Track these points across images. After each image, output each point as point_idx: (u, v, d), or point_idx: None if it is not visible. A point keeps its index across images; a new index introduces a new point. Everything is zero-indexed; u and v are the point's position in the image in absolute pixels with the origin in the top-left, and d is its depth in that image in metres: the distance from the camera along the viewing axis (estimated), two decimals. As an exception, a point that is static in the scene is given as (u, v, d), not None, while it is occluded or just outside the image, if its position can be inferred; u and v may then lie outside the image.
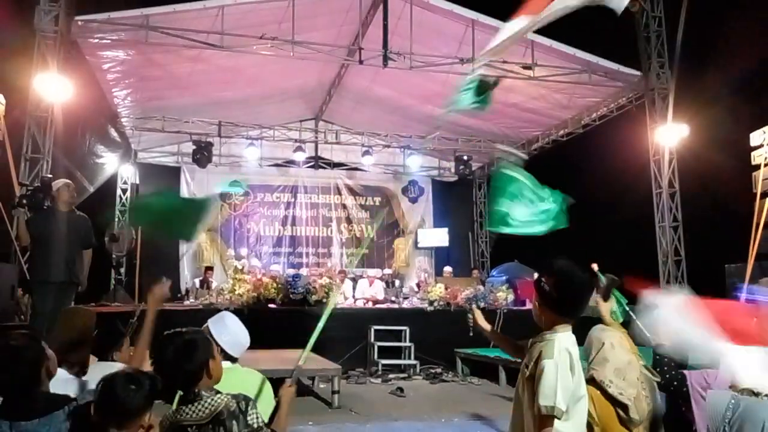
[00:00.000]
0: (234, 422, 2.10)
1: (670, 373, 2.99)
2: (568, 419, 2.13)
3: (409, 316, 10.00)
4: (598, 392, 2.49)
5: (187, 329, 2.27)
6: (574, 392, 2.15)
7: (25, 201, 6.26)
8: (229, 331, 2.87)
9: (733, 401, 2.30)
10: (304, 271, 11.76)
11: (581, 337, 2.90)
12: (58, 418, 2.18)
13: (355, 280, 11.93)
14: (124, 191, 14.05)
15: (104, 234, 11.51)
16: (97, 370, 2.80)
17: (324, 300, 9.78)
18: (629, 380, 2.50)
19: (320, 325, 2.58)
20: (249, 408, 2.16)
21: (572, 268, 2.29)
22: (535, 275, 2.42)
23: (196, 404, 2.11)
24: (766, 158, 8.26)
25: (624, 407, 2.44)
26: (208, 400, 2.12)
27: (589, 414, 2.36)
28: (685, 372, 3.08)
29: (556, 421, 2.09)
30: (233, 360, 2.87)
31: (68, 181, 6.50)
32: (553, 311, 2.27)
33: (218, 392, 2.17)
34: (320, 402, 7.04)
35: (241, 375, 2.80)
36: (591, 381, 2.53)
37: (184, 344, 2.19)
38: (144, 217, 3.24)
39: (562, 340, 2.22)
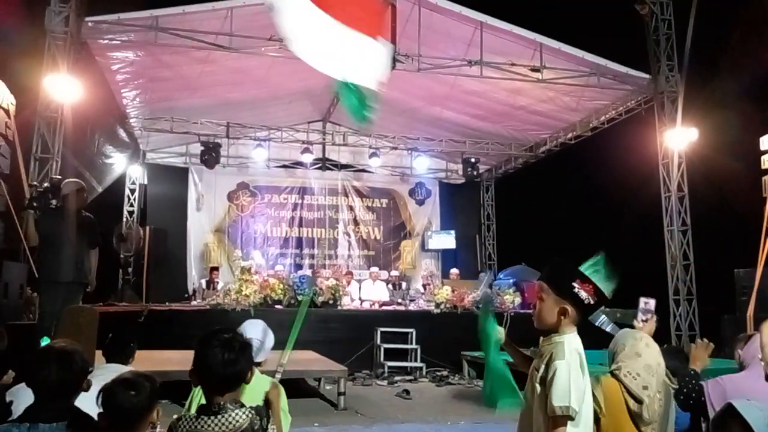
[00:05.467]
0: None
1: (688, 384, 2.96)
2: (579, 422, 2.12)
3: (416, 319, 9.99)
4: (615, 385, 2.48)
5: (230, 329, 2.19)
6: (583, 393, 2.15)
7: (35, 203, 6.29)
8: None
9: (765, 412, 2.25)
10: (310, 273, 11.80)
11: (593, 341, 2.91)
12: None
13: (360, 282, 11.95)
14: (132, 191, 14.13)
15: (112, 234, 11.58)
16: (105, 372, 2.81)
17: (330, 301, 9.81)
18: (658, 379, 2.50)
19: (298, 324, 2.51)
20: (268, 425, 2.10)
21: None
22: (545, 279, 2.37)
23: (219, 417, 1.97)
24: (776, 162, 8.22)
25: (639, 402, 2.43)
26: (233, 415, 1.98)
27: (597, 404, 2.36)
28: (702, 383, 3.04)
29: (568, 423, 2.08)
30: (255, 364, 2.91)
31: (83, 184, 6.53)
32: (579, 315, 2.26)
33: (242, 405, 2.04)
34: (326, 403, 7.05)
35: (256, 381, 2.80)
36: (612, 374, 2.53)
37: (241, 344, 2.08)
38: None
39: (572, 342, 2.22)
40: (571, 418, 2.09)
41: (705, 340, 3.12)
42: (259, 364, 2.95)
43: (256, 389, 2.47)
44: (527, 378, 2.37)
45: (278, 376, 2.50)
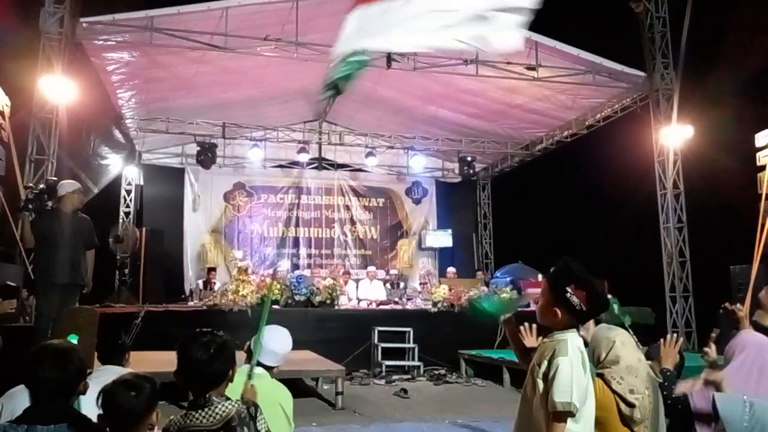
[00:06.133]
0: (245, 429, 2.09)
1: (668, 388, 2.95)
2: (579, 419, 2.14)
3: (413, 318, 10.00)
4: (603, 384, 2.49)
5: (213, 330, 2.25)
6: (585, 391, 2.17)
7: (30, 205, 6.28)
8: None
9: (747, 406, 2.27)
10: (307, 272, 11.79)
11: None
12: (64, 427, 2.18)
13: (357, 281, 11.95)
14: (128, 192, 14.10)
15: (108, 235, 11.56)
16: (104, 374, 2.80)
17: (327, 301, 9.81)
18: (641, 378, 2.50)
19: (263, 322, 2.56)
20: (258, 414, 2.16)
21: (594, 281, 2.30)
22: (546, 278, 2.39)
23: (206, 410, 2.07)
24: (771, 159, 8.24)
25: (631, 406, 2.43)
26: (219, 406, 2.08)
27: None
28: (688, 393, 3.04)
29: (568, 420, 2.10)
30: (268, 368, 2.94)
31: (79, 185, 6.51)
32: (573, 319, 2.29)
33: (228, 398, 2.14)
34: (324, 403, 7.05)
35: (266, 385, 2.80)
36: (600, 377, 2.53)
37: (219, 345, 2.17)
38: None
39: (574, 340, 2.25)
40: (572, 414, 2.11)
41: (673, 335, 3.09)
42: (271, 369, 2.95)
43: (269, 395, 2.46)
44: (527, 373, 2.39)
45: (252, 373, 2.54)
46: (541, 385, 2.22)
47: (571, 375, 2.13)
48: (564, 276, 2.31)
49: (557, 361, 2.17)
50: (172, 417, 2.14)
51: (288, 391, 2.91)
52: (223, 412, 2.06)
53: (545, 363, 2.23)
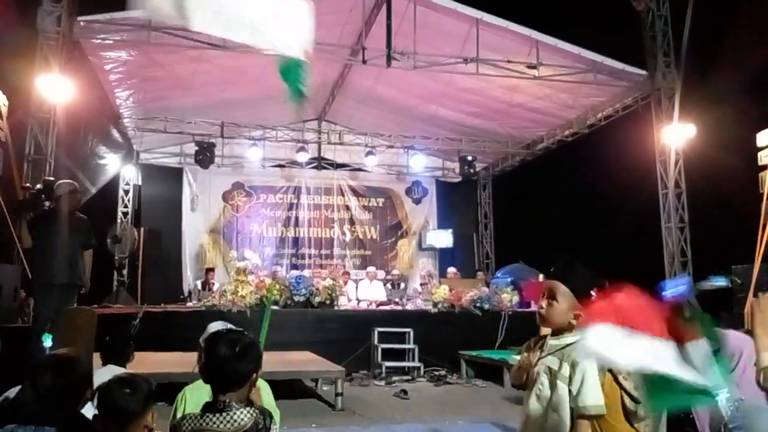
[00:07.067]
0: None
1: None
2: None
3: (413, 318, 9.95)
4: (610, 381, 2.47)
5: (243, 331, 2.27)
6: None
7: (28, 206, 6.23)
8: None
9: (735, 404, 2.27)
10: (306, 273, 11.74)
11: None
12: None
13: (357, 282, 11.90)
14: (126, 192, 14.05)
15: (106, 235, 11.51)
16: (102, 374, 2.77)
17: (327, 302, 9.76)
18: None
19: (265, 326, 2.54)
20: (272, 426, 2.13)
21: None
22: (566, 281, 2.36)
23: (225, 414, 2.03)
24: (773, 158, 8.21)
25: (637, 402, 2.43)
26: (238, 413, 2.03)
27: None
28: None
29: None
30: None
31: (76, 185, 6.47)
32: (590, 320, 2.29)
33: (246, 405, 2.11)
34: (323, 404, 7.00)
35: None
36: (608, 370, 2.53)
37: (245, 344, 2.15)
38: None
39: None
40: (602, 416, 2.18)
41: None
42: None
43: None
44: (531, 374, 2.36)
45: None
46: (563, 387, 2.23)
47: (596, 379, 2.20)
48: (587, 280, 2.35)
49: (584, 366, 2.20)
50: (185, 415, 2.12)
51: (263, 381, 2.88)
52: (242, 420, 2.02)
53: (566, 366, 2.25)
